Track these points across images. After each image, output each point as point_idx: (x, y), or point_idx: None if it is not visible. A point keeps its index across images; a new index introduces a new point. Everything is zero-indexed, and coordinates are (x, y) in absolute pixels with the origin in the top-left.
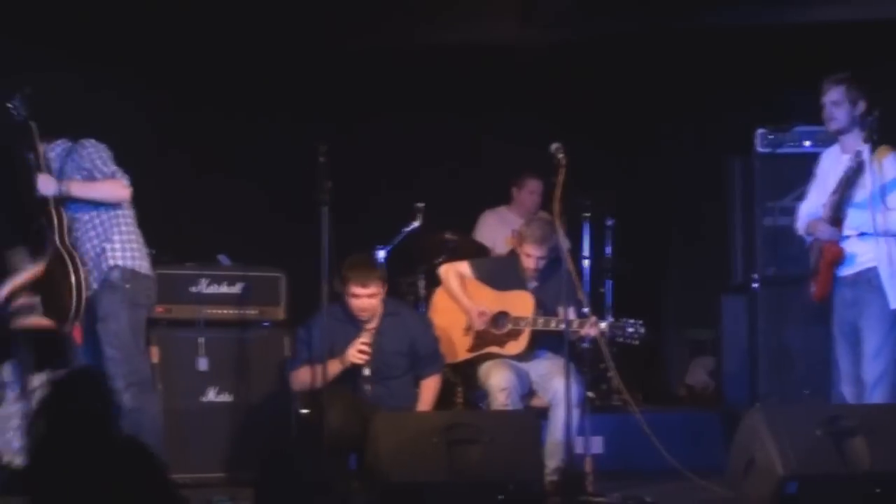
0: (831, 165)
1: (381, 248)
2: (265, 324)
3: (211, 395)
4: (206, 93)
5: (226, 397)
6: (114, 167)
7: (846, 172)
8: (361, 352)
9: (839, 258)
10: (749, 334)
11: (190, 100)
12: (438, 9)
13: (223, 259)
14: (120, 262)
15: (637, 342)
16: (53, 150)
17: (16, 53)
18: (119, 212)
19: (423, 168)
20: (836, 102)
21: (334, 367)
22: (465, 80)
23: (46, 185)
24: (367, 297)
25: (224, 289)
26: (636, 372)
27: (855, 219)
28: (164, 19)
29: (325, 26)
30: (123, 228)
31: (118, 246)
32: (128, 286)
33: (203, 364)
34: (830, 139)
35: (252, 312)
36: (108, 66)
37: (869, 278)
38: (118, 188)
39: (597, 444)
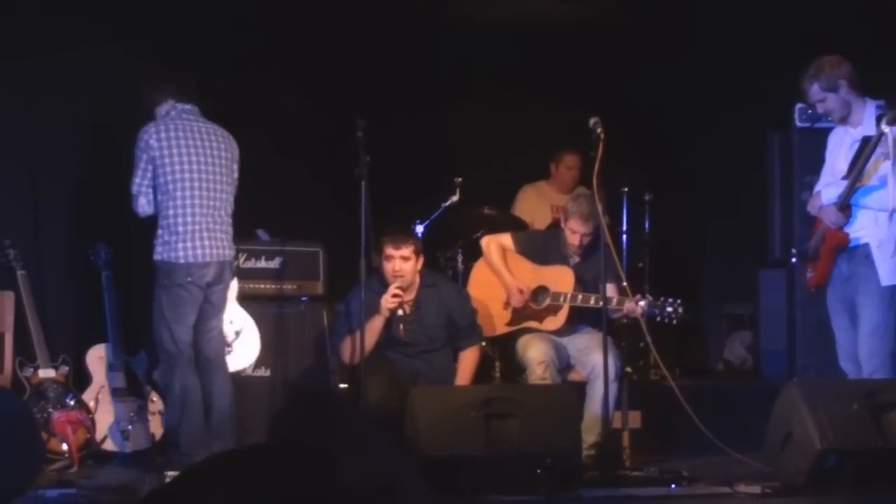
0: (837, 144)
1: (420, 223)
2: (304, 298)
3: (249, 370)
4: (247, 68)
5: (264, 372)
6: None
7: (856, 154)
8: (395, 296)
9: (843, 245)
10: (787, 309)
11: (230, 75)
12: None
13: (262, 234)
14: (161, 257)
15: (675, 321)
16: None
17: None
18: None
19: (462, 142)
20: (821, 100)
21: (377, 323)
22: (503, 54)
23: None
24: (400, 259)
25: (262, 263)
26: (674, 347)
27: (869, 202)
28: None
29: (363, 2)
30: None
31: (159, 241)
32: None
33: None
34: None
35: (291, 287)
36: (149, 38)
37: (866, 253)
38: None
39: (635, 419)
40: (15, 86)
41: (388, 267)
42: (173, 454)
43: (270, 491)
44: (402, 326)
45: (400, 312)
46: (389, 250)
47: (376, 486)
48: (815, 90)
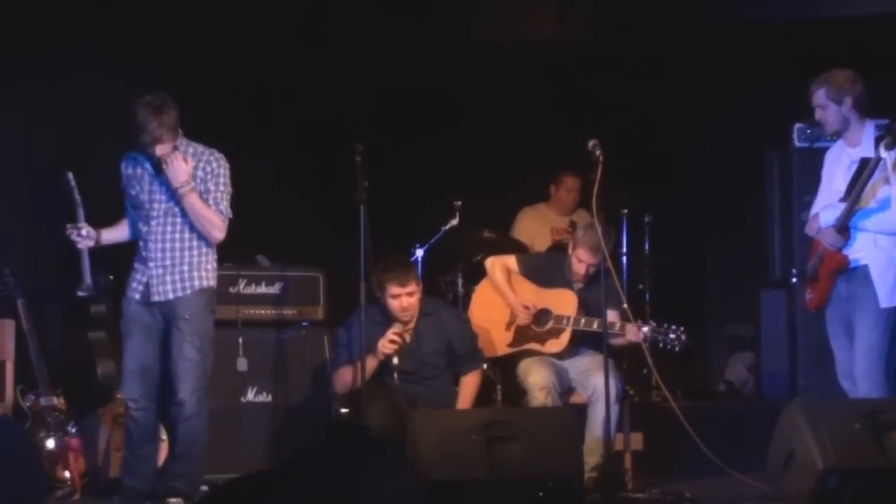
0: (833, 162)
1: (420, 247)
2: (304, 324)
3: (250, 395)
4: (242, 91)
5: (265, 397)
6: (226, 202)
7: (854, 175)
8: (392, 342)
9: (842, 267)
10: (788, 329)
11: (225, 99)
12: (473, 8)
13: (262, 259)
14: (212, 283)
15: (678, 348)
16: (183, 147)
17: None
18: None
19: (461, 165)
20: (822, 106)
21: (371, 364)
22: (502, 77)
23: (178, 173)
24: (406, 296)
25: (263, 289)
26: (675, 368)
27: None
28: (198, 16)
29: (360, 27)
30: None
31: (210, 267)
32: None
33: (243, 364)
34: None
35: (291, 312)
36: (141, 63)
37: (865, 274)
38: (219, 228)
39: (636, 441)
40: (14, 112)
41: (396, 304)
42: (178, 482)
43: None
44: (395, 375)
45: (395, 361)
46: (395, 289)
47: None
48: (819, 95)
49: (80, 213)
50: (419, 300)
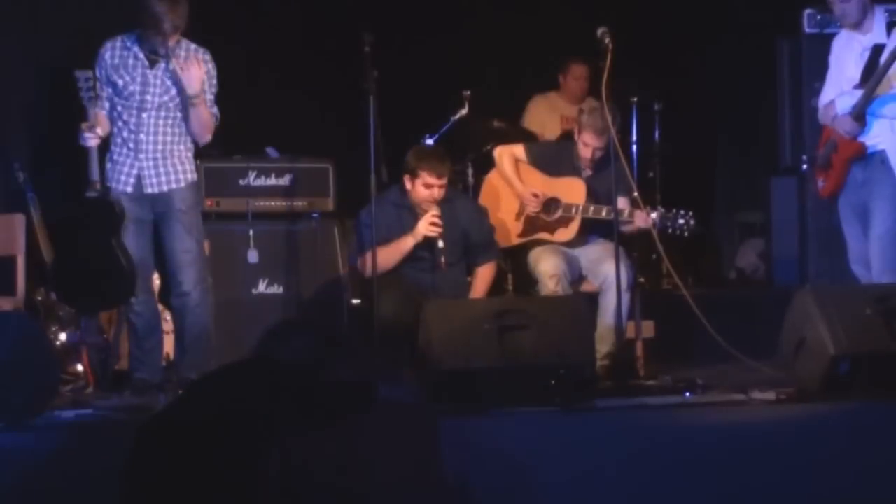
0: (843, 49)
1: (429, 137)
2: (314, 215)
3: (261, 288)
4: None
5: (276, 289)
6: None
7: (868, 62)
8: (434, 224)
9: (859, 154)
10: (799, 216)
11: None
12: None
13: (271, 151)
14: (196, 178)
15: (687, 233)
16: (181, 48)
17: None
18: None
19: (470, 55)
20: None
21: (406, 243)
22: None
23: (193, 80)
24: (438, 188)
25: (272, 181)
26: (686, 256)
27: (886, 112)
28: None
29: None
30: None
31: (194, 163)
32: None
33: (253, 257)
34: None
35: (301, 204)
36: None
37: (883, 159)
38: (211, 131)
39: (648, 329)
40: (19, 5)
41: (426, 194)
42: (191, 372)
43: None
44: (443, 259)
45: (441, 244)
46: (431, 179)
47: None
48: None
49: (92, 112)
50: None
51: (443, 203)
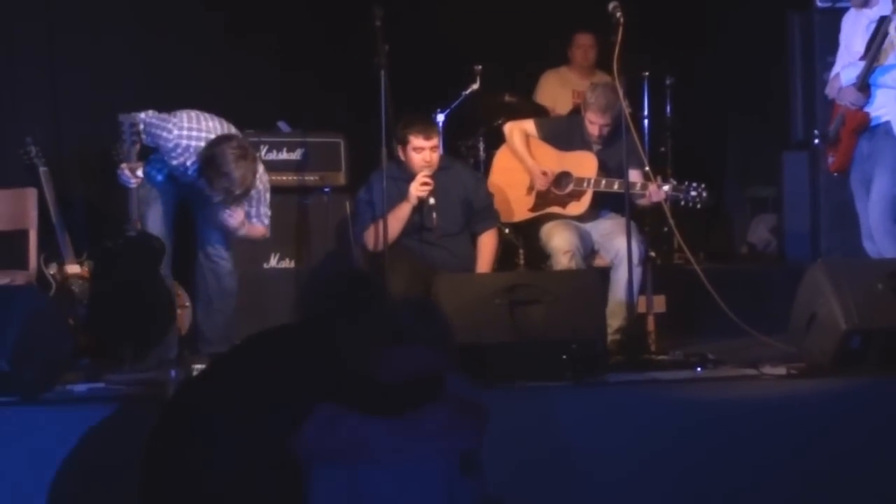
0: (852, 26)
1: (441, 112)
2: (326, 189)
3: (273, 262)
4: None
5: (288, 263)
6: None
7: (873, 34)
8: (424, 184)
9: (864, 124)
10: (811, 191)
11: None
12: None
13: (283, 125)
14: None
15: (699, 205)
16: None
17: None
18: None
19: (481, 29)
20: None
21: (405, 210)
22: None
23: (235, 225)
24: (430, 151)
25: (284, 155)
26: (698, 230)
27: (888, 80)
28: None
29: None
30: None
31: None
32: None
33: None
34: None
35: (312, 178)
36: None
37: (887, 130)
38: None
39: (659, 303)
40: None
41: (419, 159)
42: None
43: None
44: (434, 215)
45: (431, 201)
46: (420, 141)
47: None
48: None
49: (133, 153)
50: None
51: (440, 171)
